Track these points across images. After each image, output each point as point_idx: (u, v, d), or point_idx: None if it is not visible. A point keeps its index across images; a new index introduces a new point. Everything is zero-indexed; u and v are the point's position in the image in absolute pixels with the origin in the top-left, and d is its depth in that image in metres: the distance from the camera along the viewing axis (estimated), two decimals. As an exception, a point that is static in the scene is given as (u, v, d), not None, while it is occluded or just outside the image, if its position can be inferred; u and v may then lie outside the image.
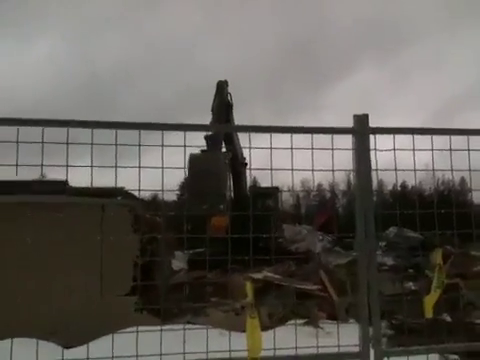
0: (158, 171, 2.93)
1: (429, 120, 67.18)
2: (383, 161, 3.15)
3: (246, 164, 20.01)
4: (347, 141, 3.09)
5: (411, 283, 12.22)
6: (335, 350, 3.06)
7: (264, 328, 2.91)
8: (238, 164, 21.02)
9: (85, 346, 3.04)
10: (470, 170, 3.39)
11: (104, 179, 3.47)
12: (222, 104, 19.95)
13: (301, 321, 8.94)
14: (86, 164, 2.87)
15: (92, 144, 2.80)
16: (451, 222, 3.46)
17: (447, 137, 3.27)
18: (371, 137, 3.10)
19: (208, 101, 20.09)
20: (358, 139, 3.08)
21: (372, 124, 3.11)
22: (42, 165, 2.78)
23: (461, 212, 3.65)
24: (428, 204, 3.71)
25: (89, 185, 2.96)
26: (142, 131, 2.88)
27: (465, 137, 3.31)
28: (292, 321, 7.98)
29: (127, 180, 3.20)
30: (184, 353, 2.84)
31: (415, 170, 3.30)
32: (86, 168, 2.87)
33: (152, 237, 10.04)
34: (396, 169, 3.26)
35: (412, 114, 76.09)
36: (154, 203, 10.58)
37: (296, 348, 2.99)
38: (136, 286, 9.49)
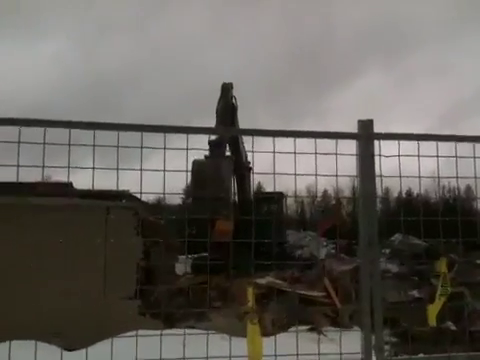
0: (162, 174, 2.92)
1: (435, 126, 67.15)
2: (388, 167, 3.13)
3: (250, 168, 19.95)
4: (351, 146, 3.08)
5: (415, 291, 12.15)
6: (337, 357, 3.03)
7: (267, 334, 2.89)
8: (242, 168, 20.97)
9: (85, 349, 3.02)
10: (476, 177, 3.36)
11: (107, 181, 3.46)
12: (227, 107, 19.89)
13: (304, 327, 8.89)
14: (89, 166, 2.86)
15: (94, 146, 2.79)
16: (456, 230, 3.43)
17: (453, 144, 3.24)
18: (376, 143, 3.08)
19: (214, 104, 20.08)
20: (362, 145, 3.06)
21: (377, 130, 3.09)
22: (44, 166, 2.77)
23: (466, 220, 3.62)
24: (433, 211, 3.68)
25: (92, 187, 2.95)
26: (146, 134, 2.87)
27: (471, 144, 3.28)
28: (295, 327, 7.94)
29: (131, 183, 3.20)
30: (184, 358, 2.82)
31: (420, 177, 3.28)
32: (89, 170, 2.86)
33: (155, 241, 10.04)
34: (401, 176, 3.23)
35: (417, 120, 75.91)
36: (158, 206, 10.58)
37: (298, 354, 2.96)
38: (139, 289, 9.49)
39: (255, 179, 33.13)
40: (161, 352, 2.84)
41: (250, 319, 2.80)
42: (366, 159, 3.05)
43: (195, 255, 14.65)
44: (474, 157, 3.28)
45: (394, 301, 9.21)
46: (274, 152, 3.03)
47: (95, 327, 8.34)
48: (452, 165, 3.28)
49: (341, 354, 3.03)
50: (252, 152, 3.07)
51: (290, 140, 3.07)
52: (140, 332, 3.06)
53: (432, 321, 3.09)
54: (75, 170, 2.91)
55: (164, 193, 3.00)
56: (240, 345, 2.88)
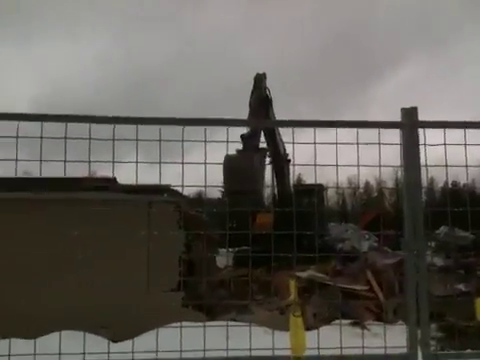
0: (202, 168, 2.93)
1: (481, 115, 64.62)
2: (433, 156, 3.03)
3: (289, 160, 19.78)
4: (395, 136, 2.99)
5: (462, 284, 11.82)
6: (382, 351, 2.98)
7: (309, 328, 2.87)
8: (280, 160, 20.78)
9: (130, 341, 3.09)
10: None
11: (150, 176, 3.52)
12: (260, 98, 19.61)
13: (347, 321, 8.79)
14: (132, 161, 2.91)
15: (137, 140, 2.84)
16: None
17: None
18: (420, 131, 2.98)
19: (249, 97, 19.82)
20: (406, 133, 2.97)
21: (421, 118, 3.00)
22: (89, 161, 2.84)
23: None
24: (481, 202, 3.55)
25: (135, 182, 3.00)
26: (187, 128, 2.89)
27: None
28: (337, 321, 7.86)
29: (172, 177, 3.23)
30: (227, 349, 2.84)
31: (467, 166, 3.16)
32: (132, 166, 2.91)
33: (197, 234, 10.14)
34: (447, 165, 3.13)
35: (463, 108, 73.38)
36: (199, 200, 10.68)
37: (341, 348, 2.93)
38: (182, 281, 9.63)
39: (295, 171, 32.89)
40: (205, 343, 2.87)
41: (293, 312, 2.78)
42: (410, 148, 2.96)
43: (236, 248, 14.71)
44: (524, 145, 3.15)
45: (440, 295, 8.96)
46: (315, 143, 2.99)
47: (140, 319, 8.52)
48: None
49: (386, 348, 2.97)
50: (292, 144, 3.04)
51: (330, 132, 3.03)
52: (184, 324, 3.10)
53: (480, 315, 2.99)
54: (119, 165, 2.97)
55: (205, 186, 3.02)
56: (283, 339, 2.87)
